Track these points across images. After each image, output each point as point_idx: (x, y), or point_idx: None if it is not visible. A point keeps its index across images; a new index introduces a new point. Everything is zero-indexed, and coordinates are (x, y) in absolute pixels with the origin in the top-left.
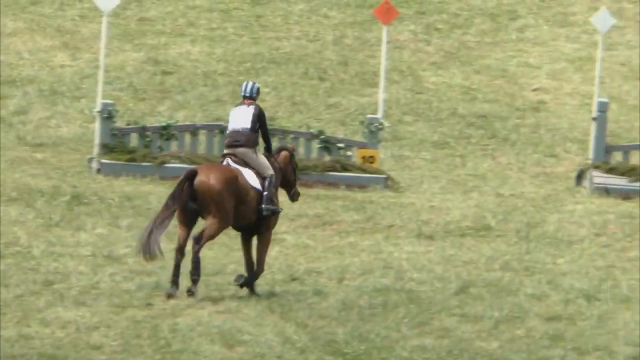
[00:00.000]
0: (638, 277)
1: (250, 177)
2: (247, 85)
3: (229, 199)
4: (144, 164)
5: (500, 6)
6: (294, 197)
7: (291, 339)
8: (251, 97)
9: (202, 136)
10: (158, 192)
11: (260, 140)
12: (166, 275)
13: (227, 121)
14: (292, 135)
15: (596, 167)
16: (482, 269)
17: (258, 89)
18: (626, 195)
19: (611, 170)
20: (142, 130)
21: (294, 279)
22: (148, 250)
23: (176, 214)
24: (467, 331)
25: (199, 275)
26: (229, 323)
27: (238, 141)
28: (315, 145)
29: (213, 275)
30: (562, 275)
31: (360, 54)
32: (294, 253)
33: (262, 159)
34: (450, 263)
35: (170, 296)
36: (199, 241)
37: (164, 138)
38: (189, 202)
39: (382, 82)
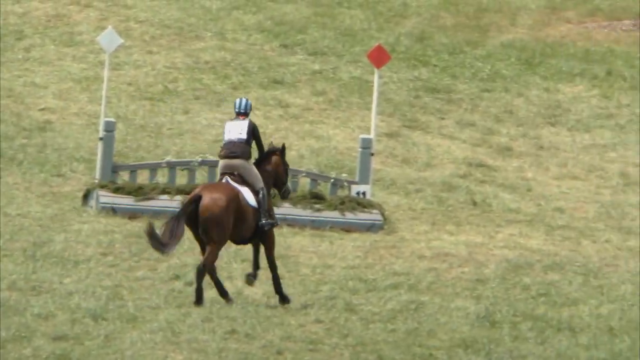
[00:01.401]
0: (145, 297)
1: (249, 197)
2: (241, 102)
3: (229, 222)
4: None
5: (7, 26)
6: (284, 194)
7: None
8: (245, 113)
9: None
10: None
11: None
12: None
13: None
14: None
15: (103, 187)
16: None
17: (250, 105)
18: (133, 214)
19: (118, 190)
20: None
21: None
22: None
23: (196, 240)
24: None
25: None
26: None
27: (235, 152)
28: None
29: None
30: (69, 294)
31: None
32: None
33: (255, 171)
34: None
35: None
36: (203, 273)
37: None
38: (199, 228)
39: None
